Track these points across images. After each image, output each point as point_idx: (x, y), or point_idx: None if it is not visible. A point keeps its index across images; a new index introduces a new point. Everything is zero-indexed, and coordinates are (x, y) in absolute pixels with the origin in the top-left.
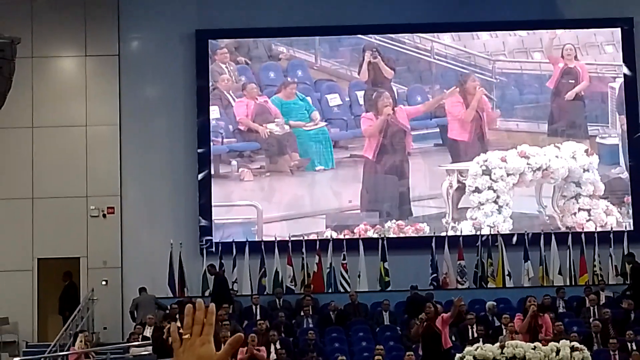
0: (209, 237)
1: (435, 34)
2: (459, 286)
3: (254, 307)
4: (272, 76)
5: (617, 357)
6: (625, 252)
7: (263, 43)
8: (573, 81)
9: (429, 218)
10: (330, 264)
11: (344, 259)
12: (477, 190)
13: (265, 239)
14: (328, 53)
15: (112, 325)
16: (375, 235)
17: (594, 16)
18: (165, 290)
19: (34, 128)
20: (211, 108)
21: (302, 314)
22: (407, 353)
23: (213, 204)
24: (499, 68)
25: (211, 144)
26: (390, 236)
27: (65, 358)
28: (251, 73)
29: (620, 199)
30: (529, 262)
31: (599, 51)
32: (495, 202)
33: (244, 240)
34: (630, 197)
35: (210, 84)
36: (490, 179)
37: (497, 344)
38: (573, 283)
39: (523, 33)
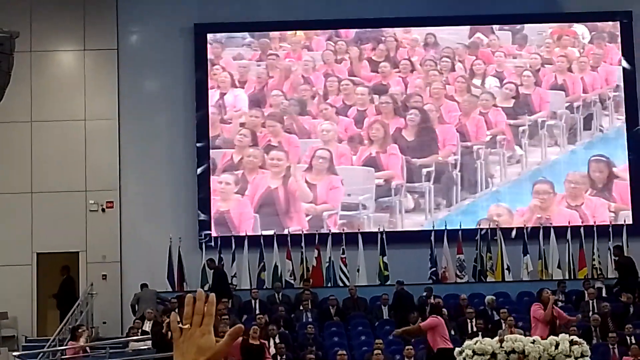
0: (208, 232)
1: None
2: (458, 280)
3: (253, 301)
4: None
5: (616, 351)
6: (627, 246)
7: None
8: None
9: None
10: (330, 258)
11: (343, 253)
12: None
13: (264, 233)
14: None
15: (111, 319)
16: (375, 229)
17: (593, 9)
18: (165, 285)
19: (33, 122)
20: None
21: (301, 308)
22: (406, 347)
23: (212, 197)
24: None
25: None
26: (389, 230)
27: (64, 352)
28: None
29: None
30: (528, 255)
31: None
32: None
33: (243, 234)
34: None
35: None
36: None
37: (497, 338)
38: (572, 277)
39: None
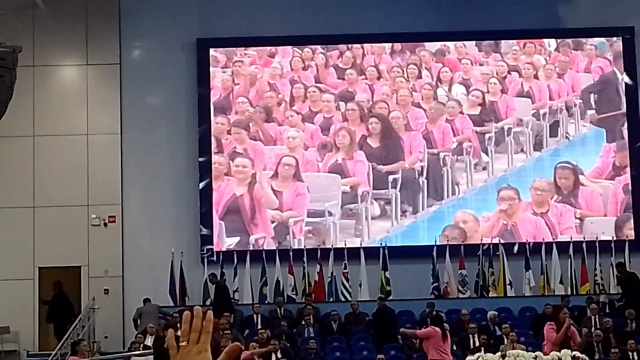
0: (210, 246)
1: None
2: (460, 295)
3: (255, 316)
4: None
5: None
6: (630, 262)
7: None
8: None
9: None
10: (332, 273)
11: (345, 268)
12: None
13: (266, 247)
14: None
15: (113, 334)
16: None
17: (595, 25)
18: (167, 299)
19: (35, 137)
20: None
21: (303, 323)
22: None
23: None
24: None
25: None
26: (391, 245)
27: None
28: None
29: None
30: (530, 271)
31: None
32: None
33: (245, 249)
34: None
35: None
36: None
37: (499, 354)
38: (574, 292)
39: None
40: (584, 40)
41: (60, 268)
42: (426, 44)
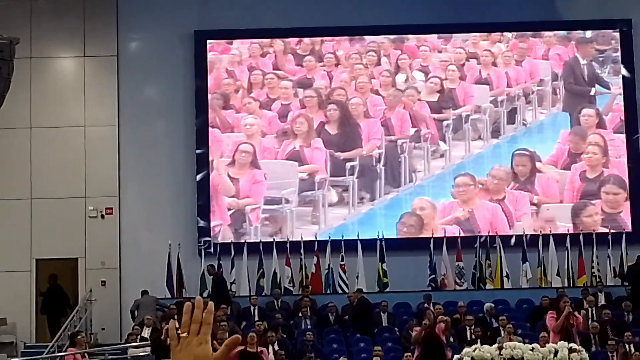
0: (207, 238)
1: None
2: (457, 287)
3: (252, 308)
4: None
5: (615, 358)
6: (624, 254)
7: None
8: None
9: None
10: (329, 265)
11: (342, 260)
12: None
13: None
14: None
15: (110, 326)
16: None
17: (592, 17)
18: (164, 291)
19: (33, 129)
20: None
21: (300, 315)
22: (405, 354)
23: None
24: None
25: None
26: (388, 237)
27: (63, 359)
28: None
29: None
30: (527, 263)
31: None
32: None
33: (242, 241)
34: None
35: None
36: None
37: (495, 345)
38: (571, 284)
39: None
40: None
41: (58, 260)
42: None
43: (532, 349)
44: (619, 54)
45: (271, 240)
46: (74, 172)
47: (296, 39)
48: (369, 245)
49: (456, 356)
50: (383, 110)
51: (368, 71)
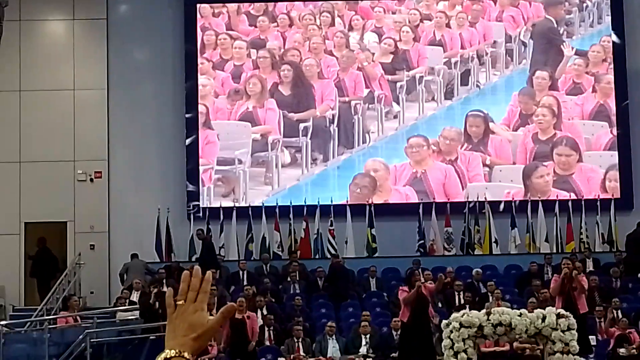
0: (197, 202)
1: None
2: (446, 253)
3: (240, 272)
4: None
5: (602, 324)
6: (612, 220)
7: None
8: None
9: None
10: (318, 230)
11: (331, 225)
12: None
13: (253, 204)
14: None
15: (98, 289)
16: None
17: None
18: (153, 255)
19: (22, 92)
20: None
21: (289, 279)
22: (394, 319)
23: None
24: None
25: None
26: (377, 202)
27: (53, 322)
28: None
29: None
30: (516, 229)
31: None
32: None
33: (231, 205)
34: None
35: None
36: None
37: (484, 311)
38: (560, 250)
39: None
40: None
41: (46, 223)
42: None
43: (520, 315)
44: (584, 14)
45: (260, 204)
46: (63, 136)
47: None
48: (358, 210)
49: (444, 321)
50: (337, 71)
51: (322, 32)
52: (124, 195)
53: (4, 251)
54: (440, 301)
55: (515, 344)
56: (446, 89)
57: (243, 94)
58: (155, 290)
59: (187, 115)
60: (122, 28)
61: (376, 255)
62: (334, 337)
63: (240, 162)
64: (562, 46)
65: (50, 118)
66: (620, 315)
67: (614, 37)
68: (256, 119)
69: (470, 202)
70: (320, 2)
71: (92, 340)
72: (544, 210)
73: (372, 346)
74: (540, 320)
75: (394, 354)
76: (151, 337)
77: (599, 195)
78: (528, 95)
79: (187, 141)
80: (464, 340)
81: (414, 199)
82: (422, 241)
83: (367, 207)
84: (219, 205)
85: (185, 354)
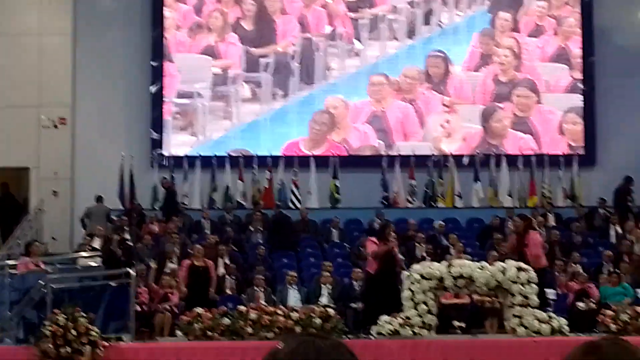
0: (160, 150)
1: None
2: (409, 205)
3: (203, 221)
4: None
5: (562, 278)
6: (575, 176)
7: None
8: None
9: None
10: (281, 180)
11: (295, 176)
12: None
13: (217, 153)
14: None
15: (61, 236)
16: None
17: None
18: (116, 202)
19: None
20: None
21: (251, 229)
22: (354, 269)
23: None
24: None
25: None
26: (342, 155)
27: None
28: None
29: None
30: (479, 182)
31: None
32: None
33: (196, 154)
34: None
35: None
36: None
37: (445, 263)
38: (522, 205)
39: None
40: None
41: (9, 169)
42: None
43: (481, 268)
44: None
45: (224, 154)
46: (27, 81)
47: None
48: (321, 161)
49: (405, 273)
50: (300, 8)
51: None
52: (89, 142)
53: None
54: (402, 253)
55: (475, 297)
56: (408, 28)
57: (205, 28)
58: (118, 237)
59: (153, 63)
60: None
61: (339, 206)
62: (295, 286)
63: (200, 95)
64: None
65: (13, 63)
66: (580, 270)
67: None
68: (217, 53)
69: (434, 156)
70: None
71: (52, 286)
72: (507, 165)
73: (333, 296)
74: (500, 274)
75: (354, 304)
76: (112, 284)
77: (563, 152)
78: (489, 36)
79: (152, 89)
80: (424, 292)
81: (372, 137)
82: (385, 193)
83: (331, 158)
84: (183, 155)
85: None
